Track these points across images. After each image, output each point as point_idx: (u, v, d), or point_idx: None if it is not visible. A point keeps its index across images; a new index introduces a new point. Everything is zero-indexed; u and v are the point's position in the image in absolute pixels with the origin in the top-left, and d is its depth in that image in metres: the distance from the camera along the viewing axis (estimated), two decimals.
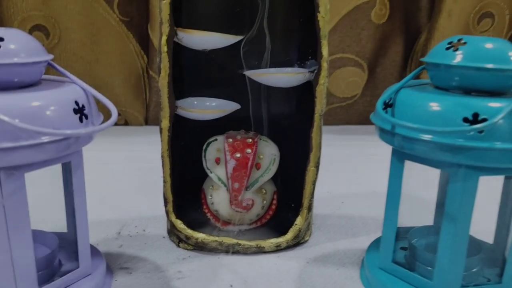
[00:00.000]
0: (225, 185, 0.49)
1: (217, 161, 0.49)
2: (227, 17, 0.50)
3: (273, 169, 0.50)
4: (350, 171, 0.77)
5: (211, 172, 0.50)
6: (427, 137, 0.34)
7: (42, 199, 0.42)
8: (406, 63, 1.07)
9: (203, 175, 0.51)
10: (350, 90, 1.07)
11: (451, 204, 0.36)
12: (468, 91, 0.36)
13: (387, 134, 0.38)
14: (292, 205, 0.52)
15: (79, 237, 0.39)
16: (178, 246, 0.50)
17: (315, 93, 0.46)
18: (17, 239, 0.33)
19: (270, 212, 0.52)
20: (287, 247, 0.49)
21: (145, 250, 0.49)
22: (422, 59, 0.39)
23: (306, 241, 0.51)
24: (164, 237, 0.52)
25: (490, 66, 0.34)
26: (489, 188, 0.42)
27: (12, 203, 0.32)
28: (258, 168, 0.49)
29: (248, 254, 0.49)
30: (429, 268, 0.39)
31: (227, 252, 0.48)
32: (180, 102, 0.49)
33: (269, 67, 0.50)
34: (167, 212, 0.49)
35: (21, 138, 0.30)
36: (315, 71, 0.46)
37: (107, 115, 0.35)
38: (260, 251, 0.48)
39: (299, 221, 0.49)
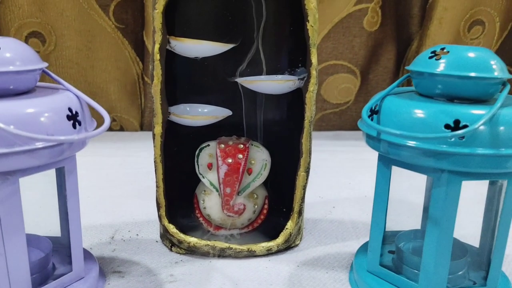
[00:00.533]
0: (217, 190, 0.50)
1: (209, 166, 0.50)
2: (219, 25, 0.51)
3: (265, 174, 0.51)
4: (342, 176, 0.78)
5: (203, 177, 0.50)
6: (411, 143, 0.35)
7: (36, 203, 0.42)
8: (398, 70, 1.09)
9: (195, 180, 0.52)
10: (343, 96, 1.08)
11: (435, 208, 0.36)
12: (451, 98, 0.37)
13: (373, 140, 0.39)
14: (284, 209, 0.53)
15: (72, 241, 0.39)
16: (171, 250, 0.50)
17: (304, 100, 0.47)
18: (11, 243, 0.34)
19: (262, 217, 0.52)
20: (278, 251, 0.50)
21: (138, 254, 0.50)
22: (406, 67, 0.40)
23: (297, 245, 0.52)
24: (157, 241, 0.53)
25: (472, 74, 0.35)
26: (476, 193, 0.43)
27: (6, 208, 0.33)
28: (249, 173, 0.50)
29: (239, 258, 0.49)
30: (416, 271, 0.40)
31: (218, 256, 0.49)
32: (173, 109, 0.50)
33: (260, 75, 0.51)
34: (160, 217, 0.50)
35: (15, 144, 0.31)
36: (305, 79, 0.47)
37: (100, 121, 0.36)
38: (251, 255, 0.49)
39: (289, 225, 0.50)
